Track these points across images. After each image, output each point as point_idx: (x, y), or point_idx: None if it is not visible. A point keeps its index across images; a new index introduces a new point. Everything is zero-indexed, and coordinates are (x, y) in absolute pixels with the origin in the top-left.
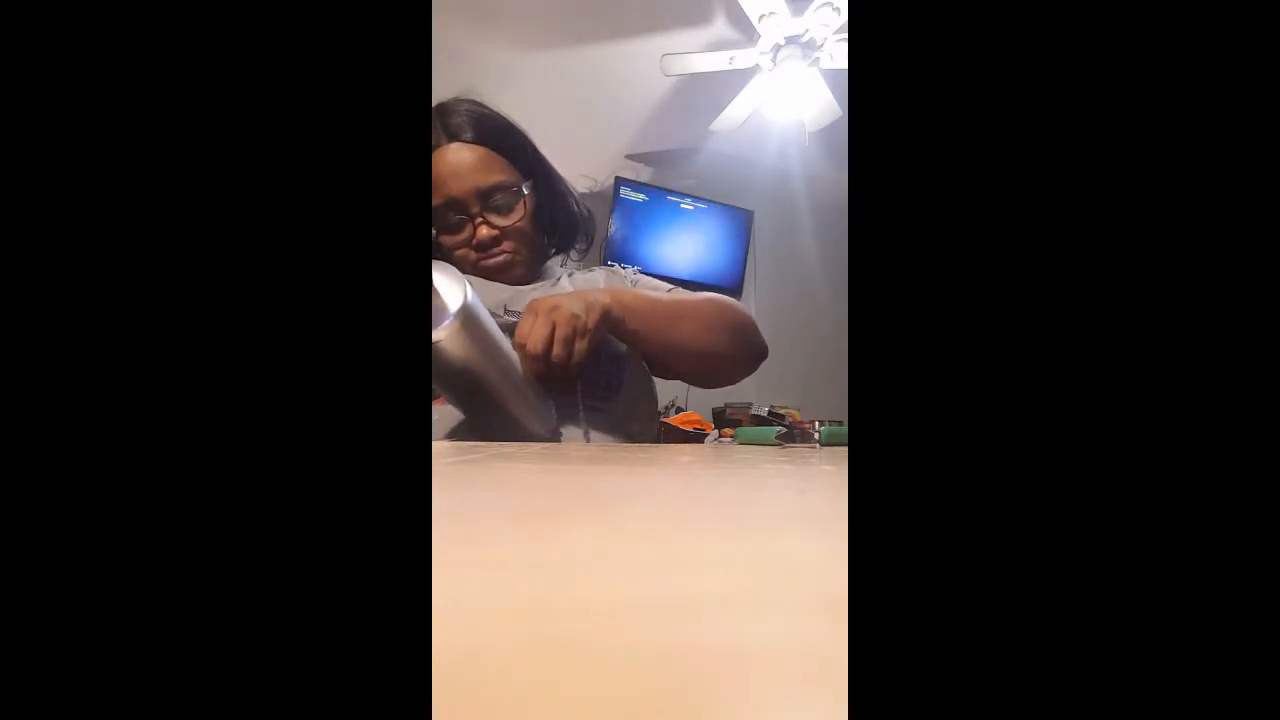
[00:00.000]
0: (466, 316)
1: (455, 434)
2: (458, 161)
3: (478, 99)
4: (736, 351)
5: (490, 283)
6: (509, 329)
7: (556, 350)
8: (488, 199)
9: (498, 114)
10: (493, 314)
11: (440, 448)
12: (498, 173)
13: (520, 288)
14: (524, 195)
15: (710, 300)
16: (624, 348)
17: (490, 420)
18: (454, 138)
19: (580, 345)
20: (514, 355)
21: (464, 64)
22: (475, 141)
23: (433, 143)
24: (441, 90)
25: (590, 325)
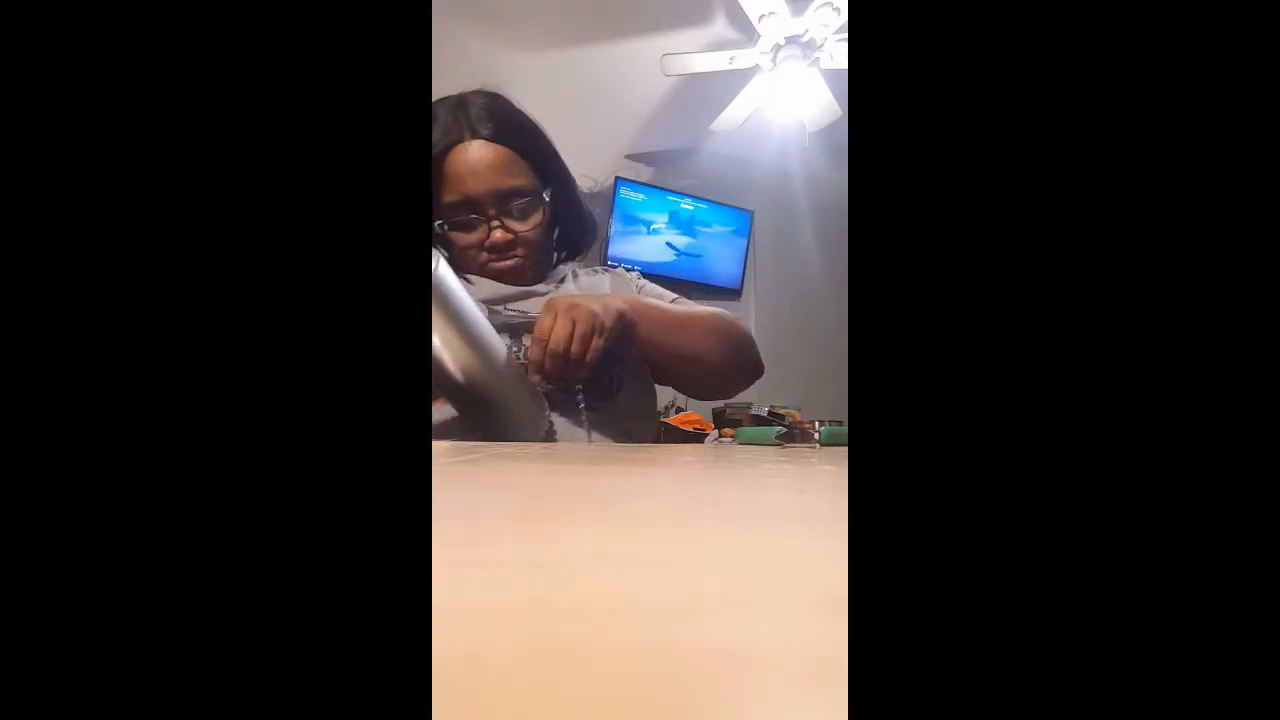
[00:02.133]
0: (433, 290)
1: (444, 432)
2: (478, 160)
3: (502, 93)
4: (735, 365)
5: (494, 282)
6: (509, 327)
7: (575, 347)
8: (505, 202)
9: (522, 112)
10: (492, 309)
11: (440, 448)
12: (518, 176)
13: (526, 289)
14: (544, 203)
15: (715, 314)
16: (626, 349)
17: (477, 413)
18: (475, 133)
19: (597, 343)
20: (498, 344)
21: (464, 64)
22: (497, 140)
23: (453, 136)
24: (441, 90)
25: (608, 326)
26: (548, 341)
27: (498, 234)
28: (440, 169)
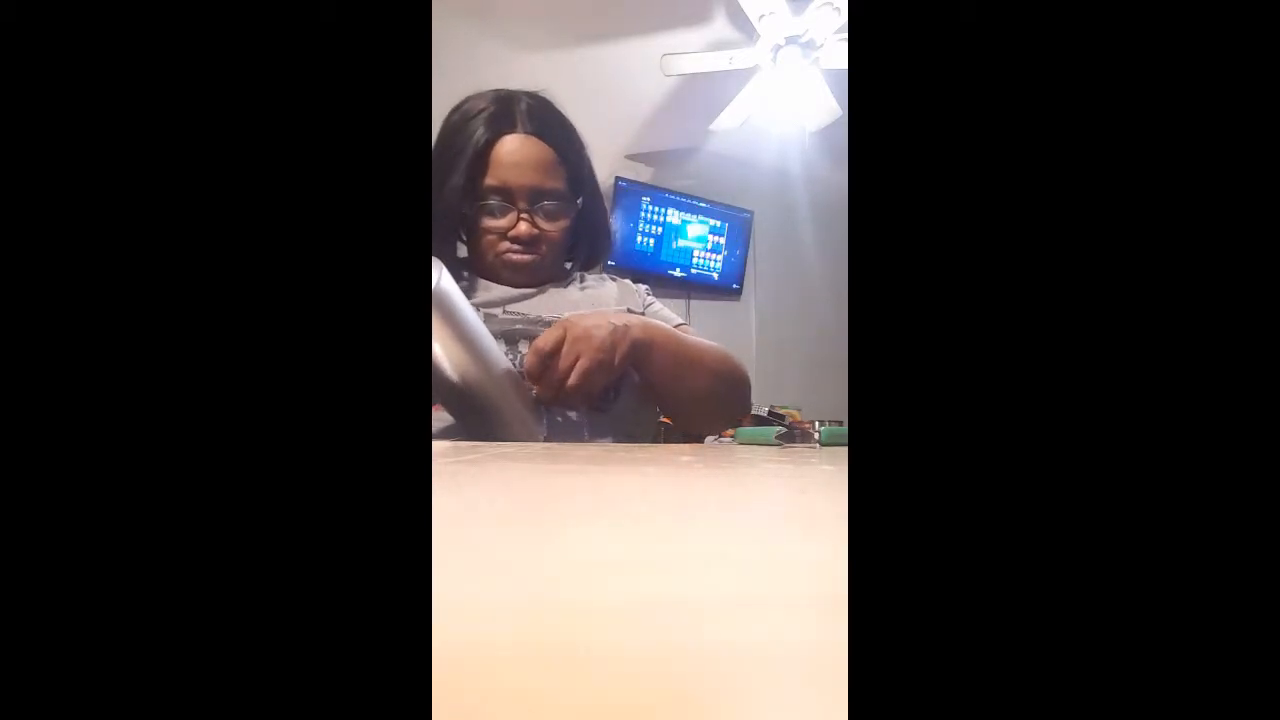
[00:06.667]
0: (435, 301)
1: (442, 435)
2: (522, 155)
3: (548, 97)
4: (728, 406)
5: (496, 285)
6: (505, 334)
7: (574, 380)
8: (538, 199)
9: (567, 119)
10: (489, 314)
11: (440, 448)
12: (557, 179)
13: (526, 290)
14: (575, 210)
15: (723, 356)
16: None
17: (473, 420)
18: (525, 127)
19: (599, 379)
20: (497, 352)
21: (464, 64)
22: (544, 139)
23: (504, 125)
24: (443, 92)
25: (615, 364)
26: (544, 351)
27: (524, 227)
28: (484, 154)
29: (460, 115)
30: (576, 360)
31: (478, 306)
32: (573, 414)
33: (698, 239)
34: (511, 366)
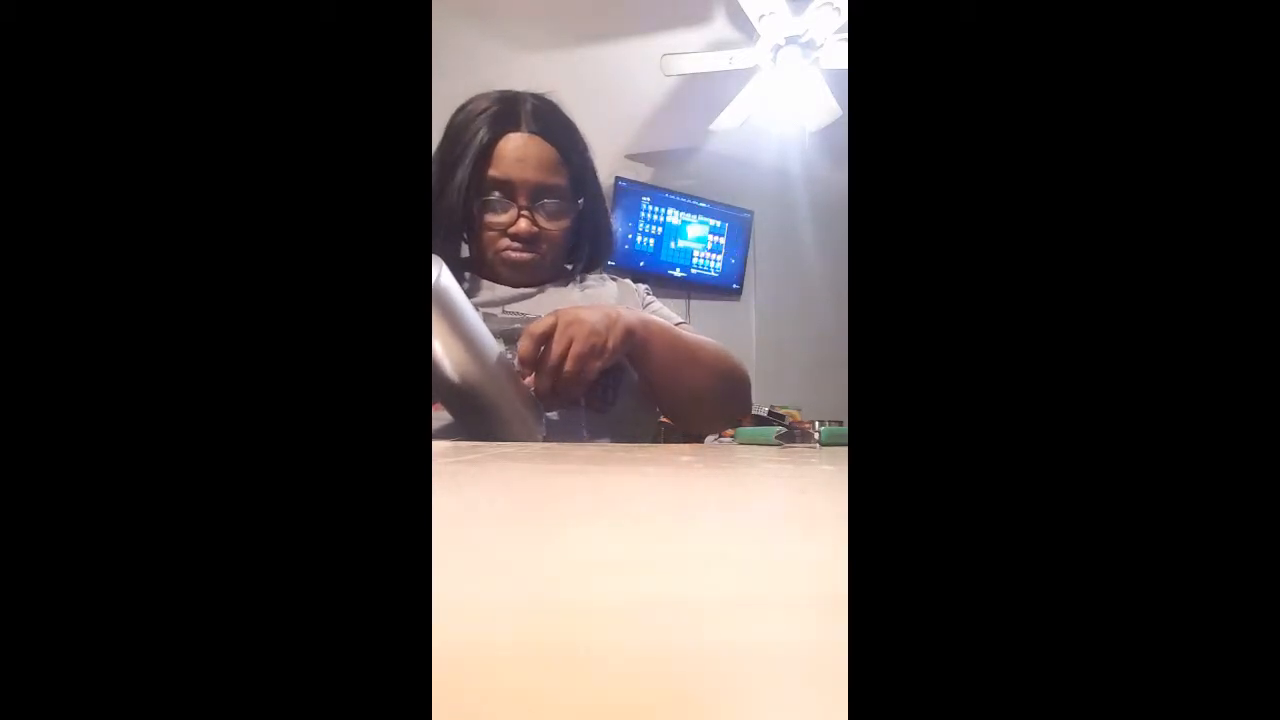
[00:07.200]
0: (434, 298)
1: (442, 435)
2: (525, 152)
3: (554, 99)
4: (728, 405)
5: (498, 285)
6: (504, 333)
7: (569, 366)
8: (540, 197)
9: (572, 121)
10: (488, 314)
11: (440, 448)
12: (559, 178)
13: (526, 290)
14: (576, 210)
15: (722, 354)
16: (625, 368)
17: (473, 419)
18: (529, 127)
19: (594, 364)
20: (495, 347)
21: (465, 64)
22: (548, 138)
23: (509, 124)
24: (443, 92)
25: (609, 347)
26: (537, 334)
27: (524, 224)
28: (488, 151)
29: (465, 114)
30: (570, 345)
31: (478, 306)
32: (570, 409)
33: (698, 239)
34: (510, 361)
